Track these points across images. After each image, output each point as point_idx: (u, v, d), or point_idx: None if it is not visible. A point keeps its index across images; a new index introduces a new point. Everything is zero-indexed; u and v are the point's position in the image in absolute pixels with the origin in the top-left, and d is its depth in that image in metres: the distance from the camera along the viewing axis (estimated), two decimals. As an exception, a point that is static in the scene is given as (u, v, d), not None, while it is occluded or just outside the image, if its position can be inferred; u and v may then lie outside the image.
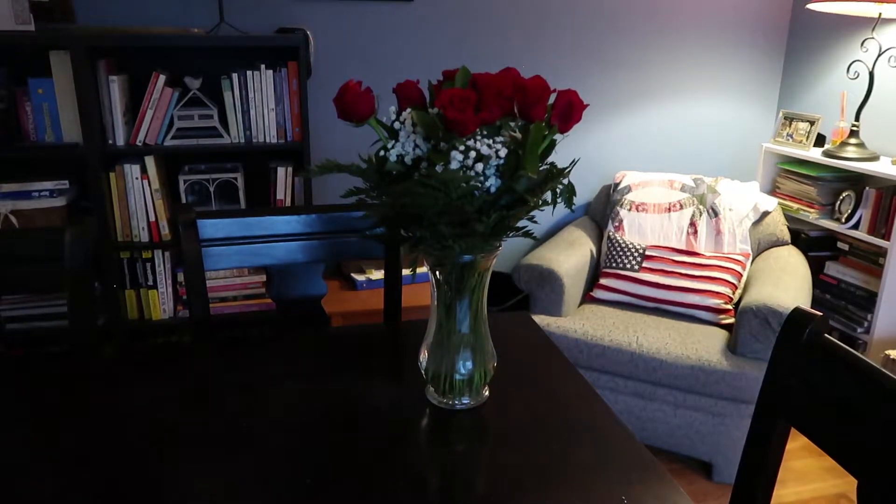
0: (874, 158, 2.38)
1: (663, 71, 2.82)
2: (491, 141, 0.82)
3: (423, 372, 0.98)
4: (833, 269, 2.48)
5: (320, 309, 1.39)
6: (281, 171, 2.23)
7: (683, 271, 2.24)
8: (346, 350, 1.15)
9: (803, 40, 2.83)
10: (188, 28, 2.17)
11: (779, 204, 2.54)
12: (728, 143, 2.99)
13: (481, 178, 0.81)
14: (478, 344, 0.96)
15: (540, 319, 2.18)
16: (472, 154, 0.81)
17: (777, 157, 2.71)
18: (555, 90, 0.85)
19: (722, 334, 2.10)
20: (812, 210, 2.49)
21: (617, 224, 2.50)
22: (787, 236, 2.46)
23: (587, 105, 0.87)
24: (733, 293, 2.21)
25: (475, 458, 0.87)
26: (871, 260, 2.36)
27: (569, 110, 0.84)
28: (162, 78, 2.08)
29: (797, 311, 0.83)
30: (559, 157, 0.79)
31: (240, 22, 2.31)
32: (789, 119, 2.67)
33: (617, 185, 2.61)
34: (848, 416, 0.77)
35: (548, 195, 0.88)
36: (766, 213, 2.45)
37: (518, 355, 1.12)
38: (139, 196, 2.15)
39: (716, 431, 2.01)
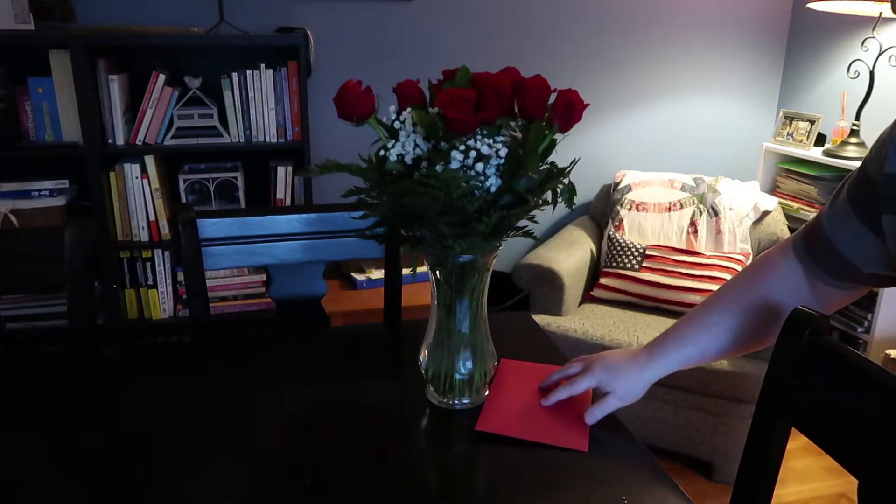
0: (874, 158, 2.37)
1: (664, 70, 2.81)
2: (491, 141, 0.82)
3: (423, 372, 0.98)
4: (833, 269, 2.48)
5: (320, 309, 1.39)
6: (281, 170, 2.23)
7: (684, 271, 2.24)
8: (346, 350, 1.15)
9: (803, 39, 2.82)
10: (188, 27, 2.17)
11: (779, 203, 2.54)
12: (728, 142, 2.99)
13: (481, 178, 0.81)
14: (478, 344, 0.96)
15: (540, 319, 2.18)
16: (473, 154, 0.81)
17: (777, 156, 2.71)
18: (555, 90, 0.84)
19: (722, 334, 2.09)
20: (812, 209, 2.48)
21: (617, 223, 2.50)
22: (787, 236, 2.46)
23: (588, 104, 0.86)
24: (733, 293, 2.21)
25: (475, 458, 0.87)
26: (872, 259, 2.35)
27: (569, 110, 0.84)
28: (162, 77, 2.08)
29: (798, 311, 0.83)
30: (559, 157, 0.79)
31: (240, 21, 2.31)
32: (790, 118, 2.67)
33: (617, 184, 2.61)
34: (848, 416, 0.77)
35: (548, 195, 0.88)
36: (766, 213, 2.45)
37: (518, 355, 1.12)
38: (139, 195, 2.15)
39: (716, 431, 2.01)
